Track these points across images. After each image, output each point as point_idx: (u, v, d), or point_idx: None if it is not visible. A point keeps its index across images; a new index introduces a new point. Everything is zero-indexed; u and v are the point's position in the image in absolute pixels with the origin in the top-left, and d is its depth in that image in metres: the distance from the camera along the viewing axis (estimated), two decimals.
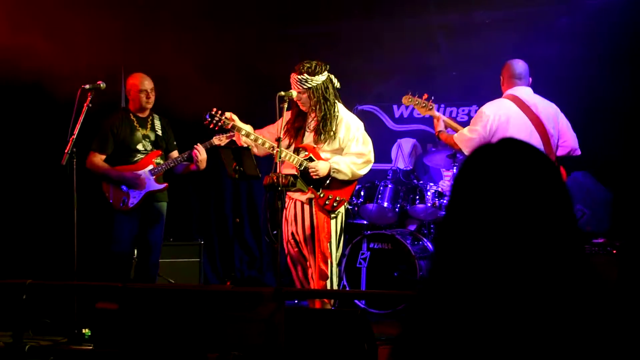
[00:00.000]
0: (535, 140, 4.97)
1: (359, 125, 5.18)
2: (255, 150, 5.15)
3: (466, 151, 5.17)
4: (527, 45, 6.64)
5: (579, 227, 1.31)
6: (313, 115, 5.12)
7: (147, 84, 5.55)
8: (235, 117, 5.12)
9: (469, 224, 1.28)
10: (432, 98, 5.43)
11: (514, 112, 5.02)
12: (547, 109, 5.09)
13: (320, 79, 4.99)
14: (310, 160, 5.09)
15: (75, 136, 4.90)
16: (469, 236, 1.27)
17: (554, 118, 5.09)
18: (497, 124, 4.99)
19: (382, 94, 7.54)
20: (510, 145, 1.33)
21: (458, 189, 1.34)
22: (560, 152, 5.12)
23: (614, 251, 5.51)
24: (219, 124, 5.07)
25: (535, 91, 5.24)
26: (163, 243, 5.80)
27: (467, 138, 5.08)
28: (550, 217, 1.26)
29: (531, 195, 1.26)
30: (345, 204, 5.25)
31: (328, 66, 5.09)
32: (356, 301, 5.97)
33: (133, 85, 5.54)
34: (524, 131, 4.96)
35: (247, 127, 5.13)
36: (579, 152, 5.18)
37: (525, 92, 5.10)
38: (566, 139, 5.13)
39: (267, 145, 5.05)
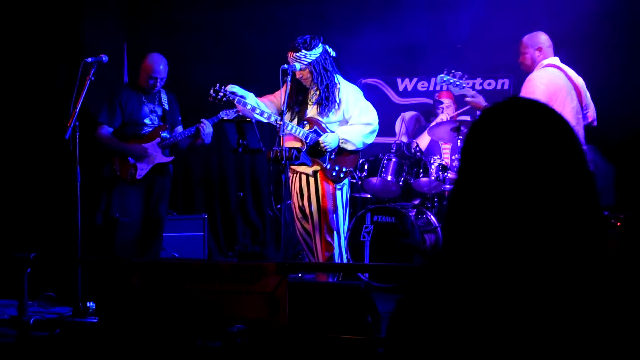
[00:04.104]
0: (578, 110, 5.05)
1: (360, 93, 5.22)
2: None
3: None
4: (533, 18, 6.57)
5: (596, 190, 1.26)
6: (315, 88, 5.11)
7: (161, 71, 5.53)
8: (237, 87, 5.10)
9: (481, 185, 1.24)
10: (466, 76, 5.29)
11: (563, 82, 5.04)
12: (579, 80, 5.13)
13: (317, 51, 5.00)
14: (316, 133, 5.08)
15: (77, 110, 4.89)
16: (481, 198, 1.23)
17: (585, 88, 5.15)
18: (552, 92, 4.96)
19: (386, 67, 7.49)
20: (523, 105, 1.28)
21: (469, 151, 1.29)
22: (584, 121, 5.18)
23: (618, 224, 5.50)
24: (224, 99, 5.07)
25: None
26: (167, 217, 5.83)
27: None
28: (565, 176, 1.22)
29: (546, 155, 1.22)
30: (350, 175, 5.26)
31: (322, 37, 5.08)
32: (359, 274, 5.98)
33: (148, 69, 5.53)
34: (573, 101, 5.03)
35: (250, 95, 5.11)
36: (595, 123, 5.24)
37: (559, 63, 5.13)
38: (589, 109, 5.19)
39: (272, 119, 5.04)
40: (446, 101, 6.81)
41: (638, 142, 6.27)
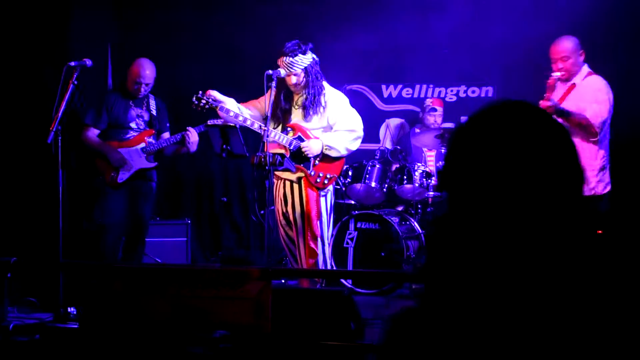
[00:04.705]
0: None
1: (345, 100, 5.21)
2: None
3: (597, 130, 4.88)
4: (519, 26, 6.61)
5: (583, 194, 1.22)
6: (301, 92, 5.09)
7: (146, 76, 5.50)
8: (216, 92, 5.06)
9: (472, 191, 1.20)
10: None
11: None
12: None
13: (310, 56, 4.99)
14: (300, 139, 5.07)
15: (60, 114, 4.86)
16: (474, 205, 1.19)
17: None
18: (612, 104, 4.94)
19: (371, 73, 7.51)
20: (520, 107, 1.24)
21: (461, 157, 1.23)
22: None
23: (599, 231, 5.51)
24: (206, 106, 5.02)
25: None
26: (150, 222, 5.81)
27: (604, 118, 4.87)
28: (560, 179, 1.18)
29: (541, 160, 1.18)
30: (335, 182, 5.26)
31: (311, 43, 5.08)
32: (343, 280, 5.98)
33: (133, 73, 5.51)
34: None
35: (230, 101, 5.08)
36: None
37: None
38: None
39: (255, 126, 5.01)
40: (439, 109, 6.77)
41: (636, 144, 6.27)
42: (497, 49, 6.75)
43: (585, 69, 5.06)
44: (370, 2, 7.12)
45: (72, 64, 4.99)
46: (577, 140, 4.88)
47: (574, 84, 5.04)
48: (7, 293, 4.34)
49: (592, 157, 4.97)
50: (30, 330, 4.28)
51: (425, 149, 6.74)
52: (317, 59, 5.11)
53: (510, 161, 1.18)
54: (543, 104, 4.83)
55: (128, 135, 5.57)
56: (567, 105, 4.93)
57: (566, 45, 5.01)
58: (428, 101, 6.88)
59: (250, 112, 5.14)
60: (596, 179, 4.97)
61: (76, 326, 4.41)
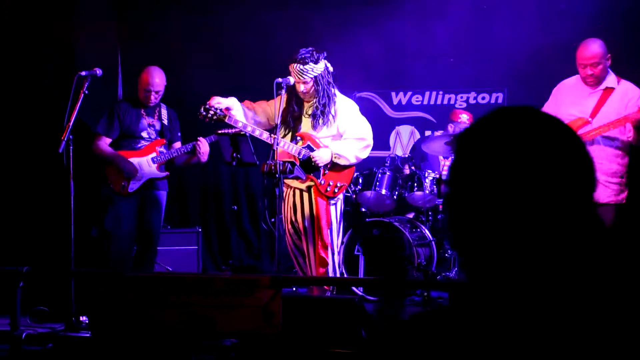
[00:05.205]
0: None
1: (356, 107, 5.20)
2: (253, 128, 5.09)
3: None
4: (527, 31, 6.61)
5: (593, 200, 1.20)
6: (312, 101, 5.08)
7: (156, 84, 5.51)
8: (220, 98, 5.02)
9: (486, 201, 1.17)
10: None
11: None
12: None
13: (322, 65, 4.98)
14: (309, 148, 5.07)
15: (72, 123, 4.89)
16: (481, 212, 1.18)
17: None
18: None
19: (380, 81, 7.51)
20: (526, 113, 1.22)
21: (471, 167, 1.21)
22: None
23: None
24: (214, 117, 5.00)
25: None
26: (161, 231, 5.82)
27: None
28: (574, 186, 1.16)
29: (547, 164, 1.16)
30: (344, 190, 5.25)
31: (324, 52, 5.07)
32: (354, 288, 5.96)
33: (143, 81, 5.53)
34: None
35: (234, 104, 5.05)
36: None
37: None
38: None
39: (264, 136, 5.01)
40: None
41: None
42: (507, 55, 6.75)
43: (612, 73, 4.90)
44: (378, 11, 7.13)
45: (83, 73, 5.03)
46: (621, 150, 4.85)
47: (612, 88, 4.85)
48: (19, 302, 4.35)
49: (626, 164, 4.88)
50: (42, 339, 4.29)
51: (441, 157, 6.72)
52: (330, 68, 5.09)
53: (515, 167, 1.16)
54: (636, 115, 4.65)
55: (139, 145, 5.58)
56: (610, 110, 4.78)
57: (596, 50, 4.80)
58: (464, 117, 6.67)
59: (259, 114, 5.13)
60: (624, 187, 4.88)
61: (88, 335, 4.42)
